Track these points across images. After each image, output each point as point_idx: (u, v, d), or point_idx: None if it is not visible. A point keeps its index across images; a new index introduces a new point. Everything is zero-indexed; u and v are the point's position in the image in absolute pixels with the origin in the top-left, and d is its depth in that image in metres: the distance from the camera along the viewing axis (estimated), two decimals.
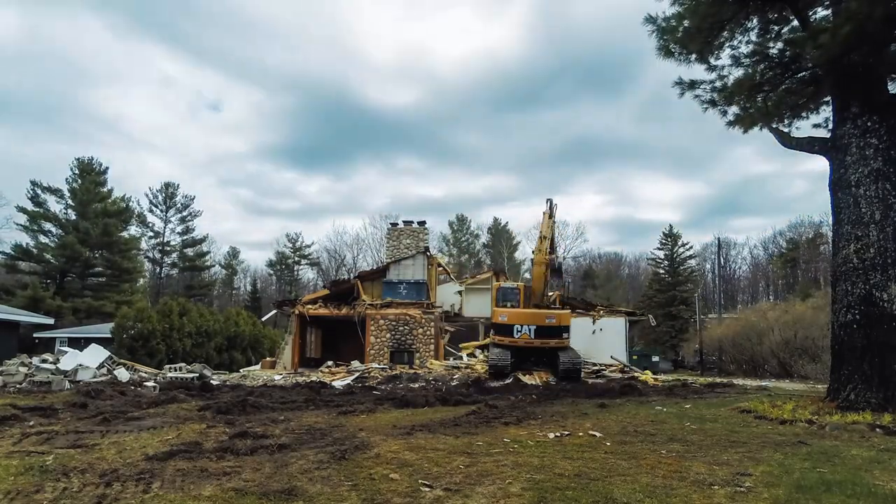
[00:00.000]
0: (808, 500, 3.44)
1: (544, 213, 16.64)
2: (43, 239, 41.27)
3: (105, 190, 43.55)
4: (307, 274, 66.09)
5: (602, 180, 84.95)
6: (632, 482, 3.80)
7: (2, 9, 64.27)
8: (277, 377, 16.67)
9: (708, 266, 58.56)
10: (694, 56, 9.37)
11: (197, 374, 16.46)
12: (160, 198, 52.98)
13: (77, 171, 42.26)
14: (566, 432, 5.95)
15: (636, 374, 18.14)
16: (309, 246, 65.75)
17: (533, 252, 17.33)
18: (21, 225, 40.95)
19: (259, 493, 3.51)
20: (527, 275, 65.64)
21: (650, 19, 9.31)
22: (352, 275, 38.25)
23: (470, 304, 26.26)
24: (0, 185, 77.05)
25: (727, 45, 9.42)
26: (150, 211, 52.77)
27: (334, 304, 23.30)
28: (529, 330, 15.20)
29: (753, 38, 9.47)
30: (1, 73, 64.81)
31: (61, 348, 20.08)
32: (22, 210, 40.50)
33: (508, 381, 13.62)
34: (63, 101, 76.11)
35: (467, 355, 21.54)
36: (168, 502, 3.39)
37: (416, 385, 13.43)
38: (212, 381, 15.86)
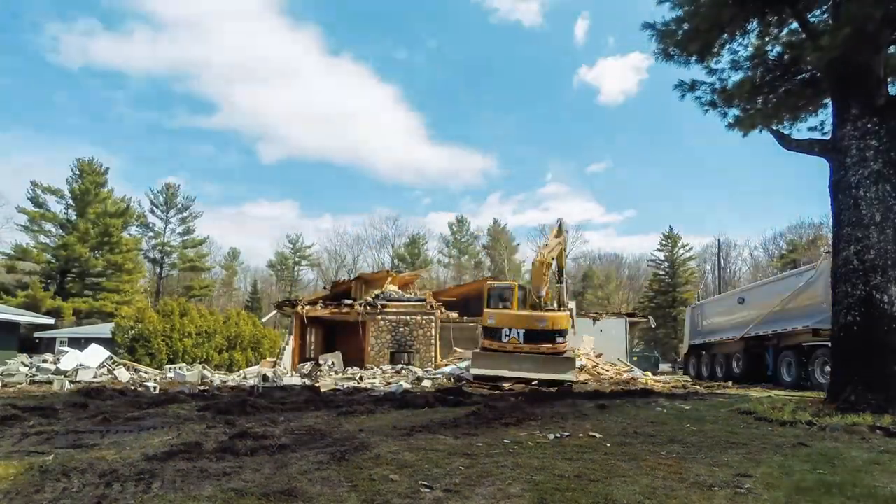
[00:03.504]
0: (807, 501, 3.45)
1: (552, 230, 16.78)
2: (43, 239, 41.36)
3: (105, 190, 43.59)
4: (307, 274, 66.22)
5: None
6: (632, 483, 3.80)
7: None
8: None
9: (708, 267, 58.57)
10: (693, 58, 9.38)
11: (198, 382, 16.35)
12: (161, 199, 53.05)
13: (77, 171, 42.32)
14: (566, 433, 5.95)
15: (636, 376, 18.16)
16: (309, 247, 65.85)
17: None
18: (21, 225, 41.03)
19: (259, 494, 3.51)
20: (526, 276, 65.69)
21: (648, 25, 9.32)
22: (352, 275, 38.29)
23: None
24: (0, 185, 77.15)
25: (727, 47, 9.44)
26: (151, 212, 52.87)
27: (334, 304, 23.31)
28: (518, 334, 14.29)
29: (753, 40, 9.49)
30: None
31: (61, 348, 20.10)
32: (22, 210, 40.57)
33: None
34: None
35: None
36: (168, 502, 3.39)
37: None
38: (213, 381, 15.87)
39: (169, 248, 53.09)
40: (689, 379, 20.28)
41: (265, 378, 15.42)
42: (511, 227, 68.38)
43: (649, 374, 21.20)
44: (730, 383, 16.71)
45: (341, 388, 13.53)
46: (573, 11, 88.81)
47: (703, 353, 20.64)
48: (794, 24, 9.06)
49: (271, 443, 5.27)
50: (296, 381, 15.64)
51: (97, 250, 41.32)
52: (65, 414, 7.80)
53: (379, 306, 22.81)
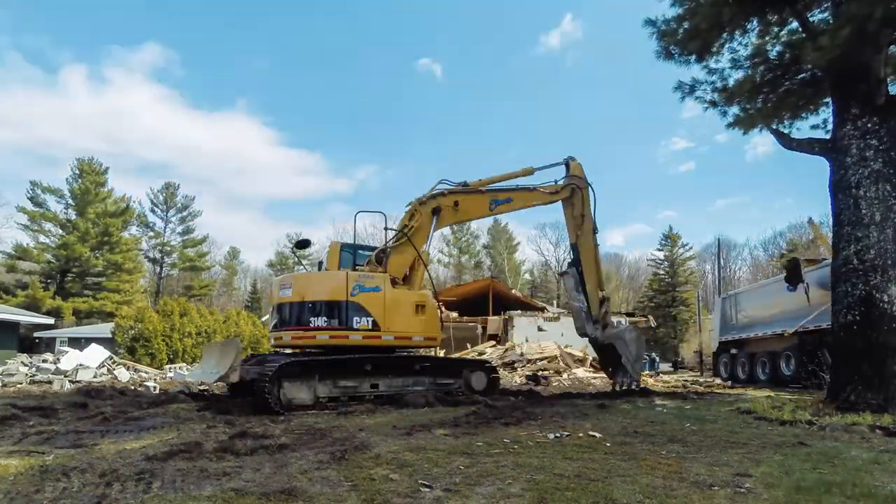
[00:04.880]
0: (807, 501, 3.45)
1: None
2: (43, 239, 41.33)
3: (105, 190, 43.58)
4: None
5: None
6: (631, 483, 3.80)
7: None
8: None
9: (708, 267, 58.53)
10: (693, 58, 9.38)
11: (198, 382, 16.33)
12: (161, 198, 53.00)
13: (77, 171, 42.29)
14: (566, 433, 5.96)
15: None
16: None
17: None
18: (21, 225, 41.01)
19: (259, 493, 3.51)
20: (527, 276, 65.67)
21: (650, 22, 9.32)
22: None
23: None
24: (0, 185, 77.18)
25: (727, 46, 9.44)
26: (151, 211, 52.82)
27: None
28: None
29: (753, 39, 9.49)
30: None
31: (61, 348, 20.10)
32: (22, 210, 40.54)
33: None
34: None
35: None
36: (168, 502, 3.39)
37: None
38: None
39: (169, 248, 53.10)
40: (719, 382, 17.66)
41: None
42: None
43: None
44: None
45: None
46: None
47: (737, 351, 17.96)
48: (795, 24, 9.05)
49: (271, 442, 5.27)
50: None
51: (97, 250, 41.30)
52: (65, 414, 7.80)
53: None
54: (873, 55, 8.06)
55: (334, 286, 9.02)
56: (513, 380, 16.52)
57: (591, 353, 21.98)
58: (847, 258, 7.94)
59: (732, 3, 8.56)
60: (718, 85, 9.74)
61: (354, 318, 8.94)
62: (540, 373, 17.27)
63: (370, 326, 9.02)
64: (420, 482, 3.82)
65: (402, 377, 9.49)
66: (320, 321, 8.85)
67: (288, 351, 9.87)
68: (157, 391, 12.39)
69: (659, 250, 54.44)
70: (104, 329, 28.42)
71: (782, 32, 9.40)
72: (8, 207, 60.40)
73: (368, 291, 9.02)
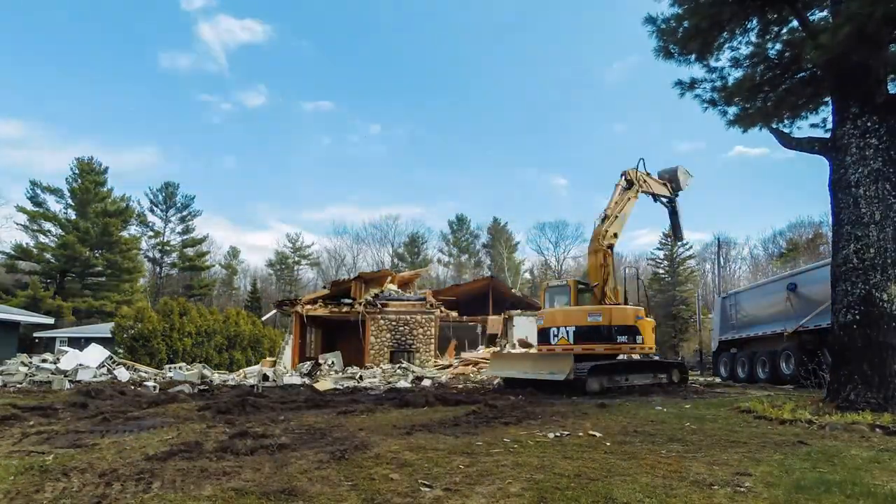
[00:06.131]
0: (807, 500, 3.45)
1: (616, 185, 13.50)
2: (43, 239, 41.38)
3: (105, 190, 43.61)
4: (307, 274, 66.19)
5: None
6: (631, 482, 3.81)
7: None
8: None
9: (708, 266, 58.53)
10: (693, 56, 9.37)
11: (198, 382, 16.38)
12: (160, 197, 53.04)
13: (77, 171, 42.33)
14: (566, 432, 5.96)
15: None
16: (309, 246, 65.87)
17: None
18: (21, 225, 41.04)
19: (259, 493, 3.51)
20: (526, 275, 65.69)
21: (650, 20, 9.31)
22: (352, 275, 38.29)
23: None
24: (0, 185, 77.19)
25: (727, 45, 9.43)
26: (151, 211, 52.86)
27: (334, 303, 23.31)
28: (567, 332, 12.18)
29: (753, 38, 9.48)
30: None
31: (61, 348, 20.10)
32: (22, 210, 40.57)
33: None
34: None
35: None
36: (168, 502, 3.39)
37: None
38: (213, 381, 15.86)
39: (168, 248, 53.10)
40: (719, 381, 17.78)
41: (265, 377, 15.43)
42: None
43: None
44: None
45: (341, 388, 13.54)
46: None
47: (737, 350, 18.08)
48: (795, 23, 9.05)
49: (271, 442, 5.27)
50: (296, 380, 15.65)
51: (97, 250, 41.34)
52: (65, 414, 7.81)
53: (379, 305, 22.82)
54: (873, 54, 8.05)
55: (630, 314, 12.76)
56: None
57: None
58: (847, 257, 7.94)
59: (732, 2, 8.56)
60: (718, 84, 9.74)
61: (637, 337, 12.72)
62: None
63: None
64: (420, 482, 3.82)
65: (640, 373, 12.95)
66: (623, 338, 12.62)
67: None
68: (157, 391, 12.39)
69: (659, 249, 54.45)
70: (104, 329, 28.45)
71: (782, 31, 9.39)
72: (8, 207, 60.46)
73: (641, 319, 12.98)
